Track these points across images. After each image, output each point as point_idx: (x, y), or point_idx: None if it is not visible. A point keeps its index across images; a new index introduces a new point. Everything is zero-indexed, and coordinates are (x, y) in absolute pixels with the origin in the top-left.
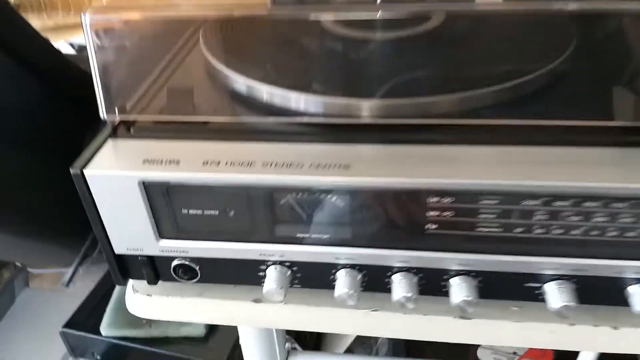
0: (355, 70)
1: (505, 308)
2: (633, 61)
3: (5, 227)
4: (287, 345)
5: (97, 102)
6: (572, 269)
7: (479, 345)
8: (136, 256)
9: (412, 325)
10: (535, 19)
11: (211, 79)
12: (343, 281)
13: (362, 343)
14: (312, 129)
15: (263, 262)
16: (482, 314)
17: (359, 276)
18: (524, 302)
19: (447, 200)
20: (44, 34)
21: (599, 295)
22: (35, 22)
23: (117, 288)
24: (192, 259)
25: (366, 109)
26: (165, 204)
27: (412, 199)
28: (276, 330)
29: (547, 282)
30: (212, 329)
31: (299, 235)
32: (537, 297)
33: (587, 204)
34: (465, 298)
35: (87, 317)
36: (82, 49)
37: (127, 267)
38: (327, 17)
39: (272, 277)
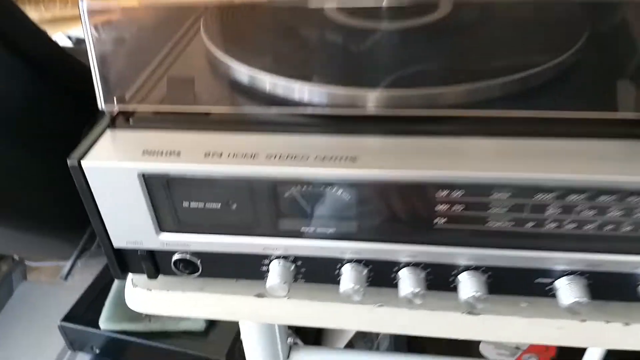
0: (361, 61)
1: (513, 304)
2: None
3: (3, 221)
4: (290, 340)
5: (95, 95)
6: (585, 265)
7: (481, 340)
8: (136, 250)
9: (418, 321)
10: (546, 8)
11: (212, 69)
12: (349, 276)
13: (363, 337)
14: (316, 120)
15: (266, 256)
16: (490, 309)
17: (365, 271)
18: (533, 297)
19: (457, 193)
20: (42, 26)
21: (611, 291)
22: (33, 14)
23: (116, 281)
24: (193, 253)
25: (372, 99)
26: (166, 196)
27: (421, 192)
28: (278, 325)
29: (558, 277)
30: (212, 323)
31: (303, 229)
32: (548, 292)
33: (602, 197)
34: (475, 294)
35: (85, 310)
36: (80, 42)
37: (126, 261)
38: (330, 4)
39: (276, 271)
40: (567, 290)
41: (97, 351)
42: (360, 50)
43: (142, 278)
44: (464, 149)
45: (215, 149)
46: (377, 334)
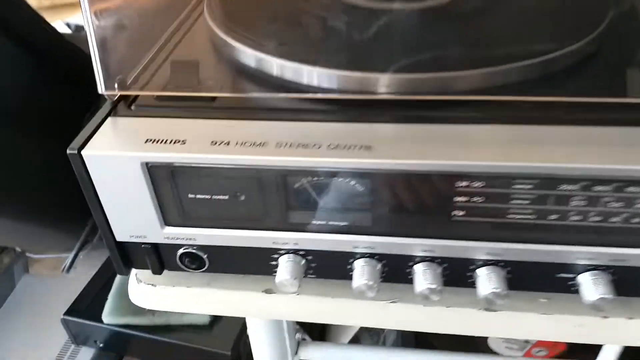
0: (373, 43)
1: (532, 300)
2: None
3: (3, 211)
4: (298, 336)
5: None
6: (610, 259)
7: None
8: (139, 244)
9: (433, 318)
10: None
11: (217, 52)
12: (361, 271)
13: (369, 330)
14: (327, 107)
15: (276, 250)
16: (507, 305)
17: (379, 266)
18: (551, 293)
19: (476, 184)
20: (41, 14)
21: (636, 286)
22: (32, 1)
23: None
24: (200, 247)
25: (384, 84)
26: (171, 187)
27: (439, 183)
28: (286, 320)
29: (581, 272)
30: (216, 316)
31: (314, 222)
32: (570, 288)
33: (630, 188)
34: (494, 290)
35: (88, 304)
36: (79, 29)
37: (129, 256)
38: None
39: (286, 266)
40: (592, 286)
41: (101, 345)
42: (373, 33)
43: (147, 273)
44: (483, 137)
45: (223, 137)
46: (383, 328)
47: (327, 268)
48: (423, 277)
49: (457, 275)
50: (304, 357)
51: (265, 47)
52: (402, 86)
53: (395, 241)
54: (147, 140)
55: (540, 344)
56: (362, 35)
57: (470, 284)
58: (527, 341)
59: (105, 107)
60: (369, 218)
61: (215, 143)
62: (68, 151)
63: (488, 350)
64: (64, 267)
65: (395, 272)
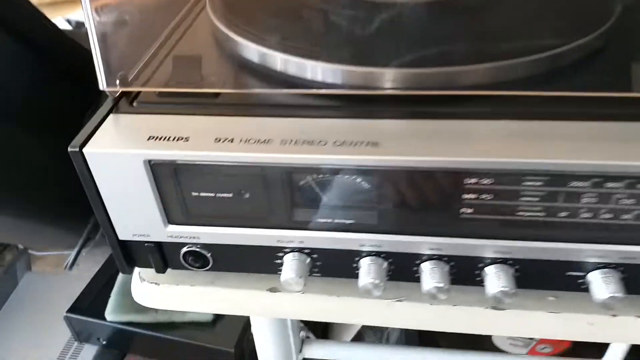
0: (378, 37)
1: (540, 298)
2: None
3: (4, 208)
4: (302, 334)
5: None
6: (621, 257)
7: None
8: (142, 243)
9: (440, 317)
10: None
11: (220, 47)
12: (368, 270)
13: (372, 328)
14: (332, 102)
15: (280, 249)
16: (515, 304)
17: (385, 264)
18: (560, 291)
19: (485, 181)
20: (41, 10)
21: None
22: None
23: None
24: (204, 246)
25: (391, 79)
26: (174, 185)
27: (447, 179)
28: (291, 319)
29: (591, 271)
30: (219, 314)
31: (320, 220)
32: (579, 286)
33: None
34: (503, 288)
35: (91, 301)
36: (80, 25)
37: (132, 255)
38: None
39: (291, 265)
40: (602, 285)
41: (104, 342)
42: (378, 26)
43: (150, 272)
44: (492, 133)
45: (226, 134)
46: None
47: (333, 266)
48: (430, 275)
49: (464, 273)
50: (308, 355)
51: (268, 42)
52: (408, 81)
53: (402, 239)
54: (150, 137)
55: (545, 340)
56: (367, 29)
57: (478, 282)
58: (531, 338)
59: (107, 104)
60: (375, 216)
61: (219, 140)
62: (69, 149)
63: (492, 347)
64: (67, 264)
65: (401, 270)
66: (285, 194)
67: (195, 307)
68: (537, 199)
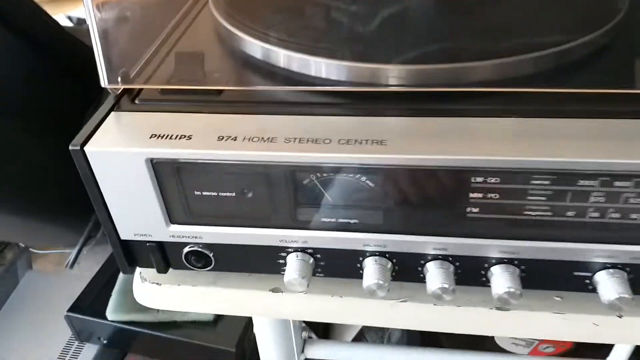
0: (384, 34)
1: (545, 298)
2: None
3: (5, 206)
4: (304, 334)
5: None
6: (630, 258)
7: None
8: (144, 242)
9: (444, 318)
10: None
11: (223, 44)
12: (372, 270)
13: (374, 327)
14: (337, 99)
15: (284, 249)
16: (520, 304)
17: (389, 265)
18: (566, 292)
19: (493, 180)
20: (42, 6)
21: None
22: None
23: None
24: (206, 246)
25: (396, 75)
26: (176, 184)
27: (454, 178)
28: (293, 319)
29: (598, 271)
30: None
31: (324, 219)
32: (586, 287)
33: None
34: (509, 289)
35: (92, 300)
36: (81, 22)
37: (134, 254)
38: None
39: (294, 265)
40: (610, 285)
41: (105, 342)
42: (383, 23)
43: (151, 272)
44: (500, 131)
45: (230, 132)
46: None
47: (336, 266)
48: (436, 276)
49: (469, 273)
50: (310, 356)
51: (272, 38)
52: (413, 78)
53: (407, 239)
54: (152, 135)
55: (547, 340)
56: (372, 25)
57: (483, 282)
58: (534, 338)
59: (108, 102)
60: (380, 215)
61: (222, 138)
62: (70, 147)
63: (494, 346)
64: (68, 262)
65: (406, 270)
66: (289, 193)
67: (197, 308)
68: (544, 198)
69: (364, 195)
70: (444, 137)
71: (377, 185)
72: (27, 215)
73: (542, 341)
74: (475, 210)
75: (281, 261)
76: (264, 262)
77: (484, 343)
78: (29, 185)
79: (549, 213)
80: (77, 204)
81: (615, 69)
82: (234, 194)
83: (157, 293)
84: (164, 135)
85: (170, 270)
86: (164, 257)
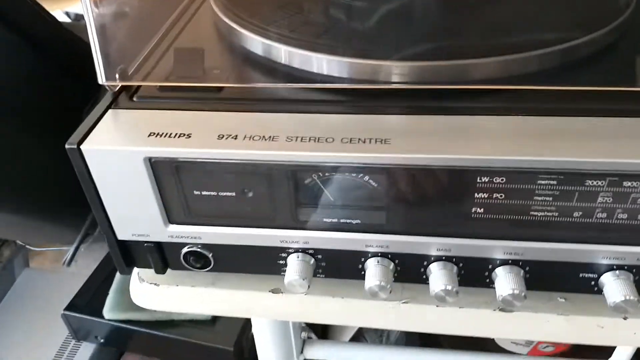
0: (387, 29)
1: (549, 299)
2: None
3: (1, 204)
4: (303, 334)
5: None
6: (637, 259)
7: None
8: (142, 243)
9: (446, 319)
10: None
11: (223, 40)
12: (374, 271)
13: None
14: (339, 97)
15: (284, 249)
16: (523, 305)
17: (392, 266)
18: (570, 293)
19: (498, 180)
20: (40, 2)
21: None
22: None
23: None
24: (205, 246)
25: (399, 72)
26: (175, 184)
27: (460, 178)
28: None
29: (604, 272)
30: None
31: (325, 219)
32: (592, 288)
33: None
34: (513, 291)
35: (89, 299)
36: (79, 18)
37: (131, 255)
38: None
39: (294, 266)
40: (616, 287)
41: (102, 340)
42: (386, 19)
43: (149, 272)
44: (505, 130)
45: (230, 131)
46: None
47: (337, 267)
48: (439, 277)
49: (473, 275)
50: (309, 356)
51: (273, 34)
52: (416, 75)
53: (410, 240)
54: (150, 133)
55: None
56: (375, 21)
57: (487, 284)
58: None
59: (106, 99)
60: (382, 216)
61: (222, 137)
62: (67, 146)
63: (494, 345)
64: (65, 260)
65: (408, 271)
66: (290, 193)
67: (196, 309)
68: (550, 198)
69: (367, 195)
70: (448, 136)
71: (380, 185)
72: (24, 212)
73: (541, 341)
74: (480, 210)
75: (281, 262)
76: (264, 263)
77: (484, 342)
78: (26, 183)
79: (555, 213)
80: (74, 201)
81: (621, 67)
82: (234, 194)
83: (155, 294)
84: (162, 133)
85: (169, 270)
86: (162, 257)
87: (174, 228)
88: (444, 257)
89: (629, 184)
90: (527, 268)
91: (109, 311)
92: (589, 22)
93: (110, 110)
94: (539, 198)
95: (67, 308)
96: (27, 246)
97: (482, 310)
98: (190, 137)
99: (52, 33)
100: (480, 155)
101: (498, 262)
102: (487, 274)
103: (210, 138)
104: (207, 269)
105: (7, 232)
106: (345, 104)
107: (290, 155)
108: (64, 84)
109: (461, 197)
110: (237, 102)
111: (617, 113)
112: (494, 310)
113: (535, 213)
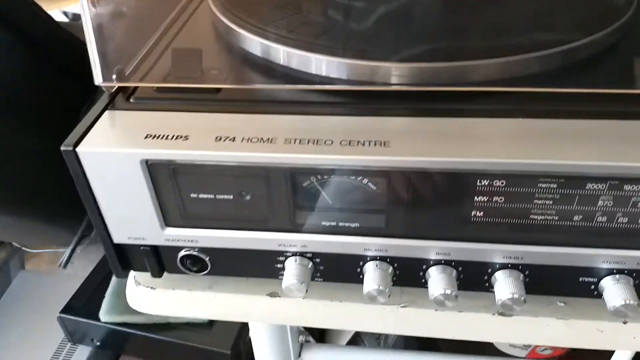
0: (386, 30)
1: (549, 303)
2: None
3: None
4: (301, 338)
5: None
6: (637, 263)
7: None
8: (138, 246)
9: (445, 324)
10: None
11: (221, 40)
12: (373, 275)
13: None
14: (338, 99)
15: (282, 253)
16: (523, 309)
17: (390, 269)
18: (570, 297)
19: (499, 183)
20: (37, 1)
21: None
22: None
23: None
24: (202, 250)
25: (399, 74)
26: (172, 186)
27: (460, 181)
28: None
29: (604, 276)
30: None
31: (323, 223)
32: (592, 293)
33: None
34: (513, 295)
35: (85, 301)
36: (76, 18)
37: (127, 258)
38: None
39: (292, 270)
40: (616, 291)
41: (98, 343)
42: (385, 19)
43: (146, 276)
44: (505, 132)
45: (228, 133)
46: None
47: (336, 271)
48: (438, 281)
49: (472, 279)
50: None
51: (272, 35)
52: (416, 76)
53: (409, 243)
54: (147, 135)
55: None
56: (374, 22)
57: (486, 288)
58: None
59: (102, 100)
60: (382, 219)
61: (220, 139)
62: (62, 148)
63: (492, 348)
64: (61, 262)
65: (407, 275)
66: (288, 196)
67: (193, 313)
68: (550, 201)
69: (366, 198)
70: (449, 139)
71: (380, 188)
72: (20, 214)
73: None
74: (479, 213)
75: (279, 265)
76: (261, 267)
77: (482, 345)
78: (23, 184)
79: (555, 217)
80: (71, 203)
81: (622, 69)
82: (231, 197)
83: (152, 298)
84: (159, 135)
85: (165, 274)
86: (159, 261)
87: (170, 231)
88: (443, 261)
89: (630, 187)
90: (527, 272)
91: (105, 314)
92: (590, 24)
93: (106, 112)
94: (539, 201)
95: (63, 310)
96: (23, 248)
97: (482, 315)
98: (187, 139)
99: (49, 33)
100: (480, 158)
101: (497, 266)
102: (486, 278)
103: (208, 140)
104: (204, 272)
105: (2, 234)
106: (344, 106)
107: (289, 157)
108: (63, 84)
109: (461, 201)
110: (235, 103)
111: (619, 115)
112: (494, 314)
113: (535, 217)
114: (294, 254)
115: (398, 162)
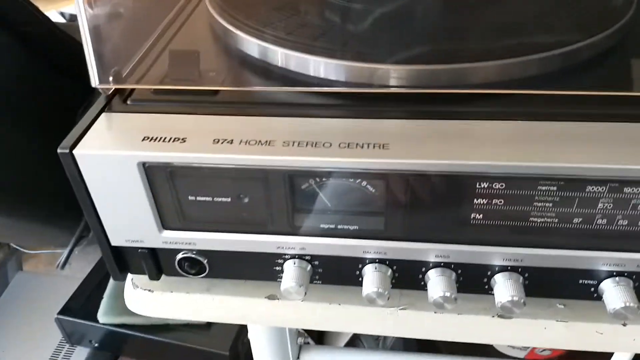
0: (385, 32)
1: (548, 306)
2: None
3: None
4: (300, 340)
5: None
6: (637, 265)
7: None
8: (136, 248)
9: (444, 326)
10: None
11: (219, 42)
12: (372, 278)
13: None
14: (337, 101)
15: (280, 255)
16: (523, 312)
17: (389, 272)
18: (570, 300)
19: (498, 185)
20: (34, 2)
21: None
22: None
23: None
24: (200, 252)
25: (398, 76)
26: (169, 189)
27: (460, 184)
28: None
29: (604, 279)
30: None
31: (322, 225)
32: (591, 295)
33: None
34: (513, 298)
35: (83, 302)
36: (73, 18)
37: (125, 260)
38: None
39: (291, 273)
40: (616, 294)
41: (96, 345)
42: (384, 21)
43: (143, 278)
44: (504, 135)
45: (225, 135)
46: None
47: (335, 274)
48: (437, 284)
49: (472, 281)
50: None
51: (270, 36)
52: (415, 79)
53: (408, 246)
54: (144, 138)
55: None
56: (373, 24)
57: (485, 290)
58: None
59: (99, 102)
60: (381, 221)
61: (218, 141)
62: (59, 150)
63: (491, 349)
64: (59, 263)
65: (406, 278)
66: (287, 198)
67: (191, 316)
68: (550, 204)
69: (365, 200)
70: (448, 141)
71: (379, 191)
72: (18, 215)
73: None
74: (479, 216)
75: (278, 268)
76: (260, 269)
77: (481, 347)
78: (21, 185)
79: (554, 220)
80: (68, 204)
81: (622, 71)
82: (229, 199)
83: (149, 300)
84: (157, 137)
85: (163, 277)
86: (157, 263)
87: (168, 234)
88: (442, 264)
89: (630, 189)
90: (527, 274)
91: (104, 315)
92: (589, 26)
93: (103, 114)
94: (539, 204)
95: (61, 312)
96: (21, 249)
97: (481, 317)
98: (185, 141)
99: (46, 34)
100: (479, 160)
101: (497, 268)
102: (486, 280)
103: (206, 142)
104: (202, 275)
105: (0, 235)
106: (343, 108)
107: (287, 160)
108: (63, 84)
109: (460, 203)
110: (233, 105)
111: (618, 118)
112: (493, 317)
113: (535, 219)
114: (293, 256)
115: (397, 165)
